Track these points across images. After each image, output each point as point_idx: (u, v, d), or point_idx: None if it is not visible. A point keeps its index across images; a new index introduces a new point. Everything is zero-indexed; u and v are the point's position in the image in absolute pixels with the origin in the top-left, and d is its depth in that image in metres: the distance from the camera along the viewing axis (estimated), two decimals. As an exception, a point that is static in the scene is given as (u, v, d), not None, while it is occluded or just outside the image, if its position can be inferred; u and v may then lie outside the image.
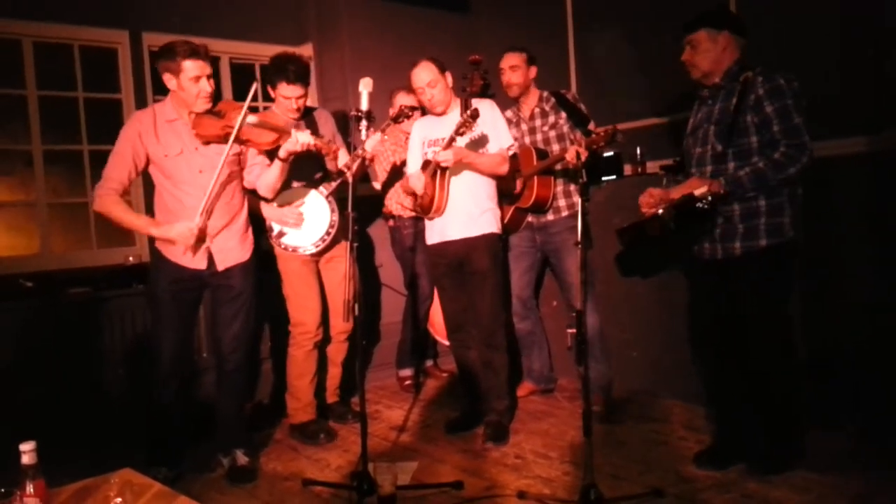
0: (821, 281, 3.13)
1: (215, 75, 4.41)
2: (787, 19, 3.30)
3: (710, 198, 2.51)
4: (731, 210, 2.66)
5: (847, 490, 2.56)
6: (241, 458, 3.09)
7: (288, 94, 3.32)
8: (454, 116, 3.28)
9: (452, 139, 3.10)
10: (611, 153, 3.94)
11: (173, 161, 2.90)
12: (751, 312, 2.69)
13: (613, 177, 3.92)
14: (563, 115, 3.64)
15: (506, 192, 3.67)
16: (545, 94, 3.75)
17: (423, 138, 3.40)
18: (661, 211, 2.68)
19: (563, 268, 3.70)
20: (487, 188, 3.37)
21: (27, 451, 1.58)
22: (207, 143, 2.91)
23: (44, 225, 3.94)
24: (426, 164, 3.29)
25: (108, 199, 2.84)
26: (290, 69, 3.29)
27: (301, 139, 2.90)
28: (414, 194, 3.37)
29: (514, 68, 3.66)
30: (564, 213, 3.69)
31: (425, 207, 3.31)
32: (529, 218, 3.77)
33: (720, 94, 2.72)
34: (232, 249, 3.02)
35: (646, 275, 3.78)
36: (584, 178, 2.61)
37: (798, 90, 2.56)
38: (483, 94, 4.41)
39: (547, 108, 3.72)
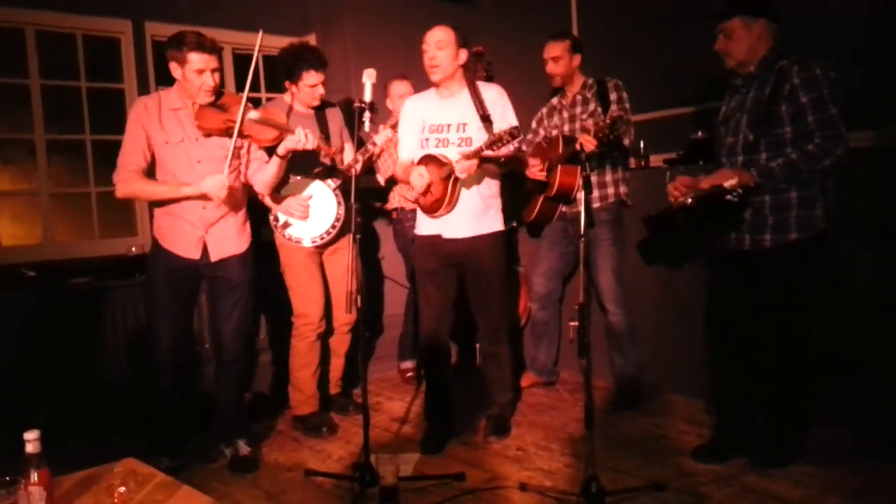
0: (827, 275, 3.12)
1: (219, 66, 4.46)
2: (788, 13, 3.28)
3: (740, 190, 2.44)
4: (761, 201, 2.60)
5: (847, 484, 2.56)
6: (244, 448, 3.10)
7: (313, 82, 3.34)
8: (461, 101, 3.12)
9: (481, 151, 2.87)
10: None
11: (172, 149, 2.91)
12: (775, 305, 2.65)
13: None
14: None
15: (537, 185, 3.65)
16: (589, 81, 3.69)
17: (424, 121, 3.17)
18: (689, 201, 2.61)
19: (594, 263, 3.62)
20: (494, 184, 3.23)
21: (31, 440, 1.59)
22: (209, 135, 2.92)
23: (46, 214, 3.94)
24: (430, 159, 3.09)
25: (129, 181, 2.86)
26: (311, 57, 3.31)
27: (301, 139, 2.91)
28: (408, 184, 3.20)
29: (556, 59, 3.61)
30: (596, 205, 3.63)
31: (430, 206, 3.12)
32: (563, 208, 3.74)
33: (754, 83, 2.66)
34: (227, 240, 3.03)
35: (649, 269, 3.78)
36: (586, 171, 2.59)
37: (835, 80, 2.50)
38: None
39: (588, 95, 3.66)
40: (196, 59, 2.81)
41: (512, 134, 2.78)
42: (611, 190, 3.67)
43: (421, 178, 3.03)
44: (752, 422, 2.80)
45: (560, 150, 3.55)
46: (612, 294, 3.64)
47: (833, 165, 2.49)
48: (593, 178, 3.59)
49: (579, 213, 3.63)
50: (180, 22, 4.19)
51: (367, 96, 2.86)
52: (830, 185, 2.62)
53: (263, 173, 3.06)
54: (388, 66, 3.20)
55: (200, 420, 3.26)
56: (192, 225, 2.96)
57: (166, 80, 4.27)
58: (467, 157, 2.90)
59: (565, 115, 3.74)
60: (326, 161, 3.36)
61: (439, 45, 3.03)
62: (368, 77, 2.84)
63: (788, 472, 2.68)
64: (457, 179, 3.04)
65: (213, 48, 2.85)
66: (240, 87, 4.53)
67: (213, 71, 2.86)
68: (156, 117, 2.90)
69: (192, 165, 2.92)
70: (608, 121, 3.11)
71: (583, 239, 2.54)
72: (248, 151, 3.08)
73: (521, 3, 4.73)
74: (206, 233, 2.98)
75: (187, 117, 2.93)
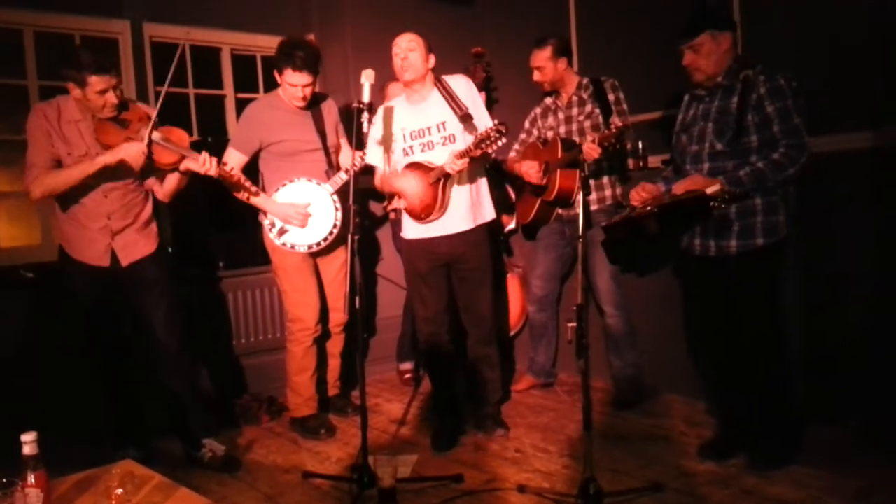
0: (821, 277, 3.13)
1: (216, 65, 4.47)
2: (791, 12, 3.29)
3: (726, 196, 2.44)
4: (726, 207, 2.63)
5: (846, 485, 2.56)
6: (218, 449, 3.10)
7: (294, 82, 3.25)
8: (434, 102, 3.13)
9: (470, 151, 2.86)
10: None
11: (76, 160, 2.87)
12: (745, 310, 2.69)
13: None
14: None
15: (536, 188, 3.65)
16: (584, 81, 3.68)
17: (403, 129, 3.15)
18: (652, 208, 2.62)
19: (591, 265, 3.63)
20: (482, 179, 3.25)
21: (28, 442, 1.59)
22: (109, 149, 2.86)
23: (45, 216, 3.93)
24: (416, 166, 3.10)
25: (40, 177, 2.82)
26: (297, 55, 3.20)
27: (204, 164, 2.89)
28: (393, 194, 3.22)
29: (539, 69, 3.63)
30: (594, 207, 3.64)
31: (422, 211, 3.11)
32: (559, 210, 3.74)
33: (718, 93, 2.69)
34: (134, 244, 3.03)
35: (645, 269, 3.77)
36: (584, 172, 2.60)
37: (797, 90, 2.55)
38: (486, 86, 4.40)
39: (585, 96, 3.66)
40: (97, 81, 2.74)
41: (499, 131, 2.79)
42: (608, 192, 3.68)
43: (412, 184, 3.06)
44: (750, 422, 2.80)
45: (559, 154, 3.55)
46: (610, 296, 3.64)
47: (797, 174, 2.53)
48: (592, 182, 3.60)
49: (576, 214, 3.64)
50: (178, 23, 4.21)
51: (366, 97, 2.86)
52: (791, 192, 2.66)
53: (166, 184, 3.06)
54: (386, 67, 3.18)
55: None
56: (98, 233, 2.95)
57: (162, 80, 4.29)
58: (458, 156, 2.91)
59: (561, 116, 3.74)
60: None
61: (410, 48, 3.06)
62: (367, 78, 2.84)
63: (788, 472, 2.68)
64: (446, 182, 3.06)
65: (111, 66, 2.80)
66: (238, 88, 4.54)
67: (114, 88, 2.80)
68: (56, 127, 2.86)
69: (95, 178, 2.87)
70: (614, 130, 3.11)
71: (581, 240, 2.54)
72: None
73: (521, 4, 4.73)
74: (112, 240, 2.98)
75: (87, 129, 2.89)
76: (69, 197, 2.92)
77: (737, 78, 2.63)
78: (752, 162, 2.57)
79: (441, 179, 3.04)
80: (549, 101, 3.80)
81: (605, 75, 3.72)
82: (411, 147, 3.15)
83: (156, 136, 2.83)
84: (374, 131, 3.19)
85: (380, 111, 3.21)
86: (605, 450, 3.04)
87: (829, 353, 3.11)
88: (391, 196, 3.65)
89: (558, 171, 3.55)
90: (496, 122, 2.86)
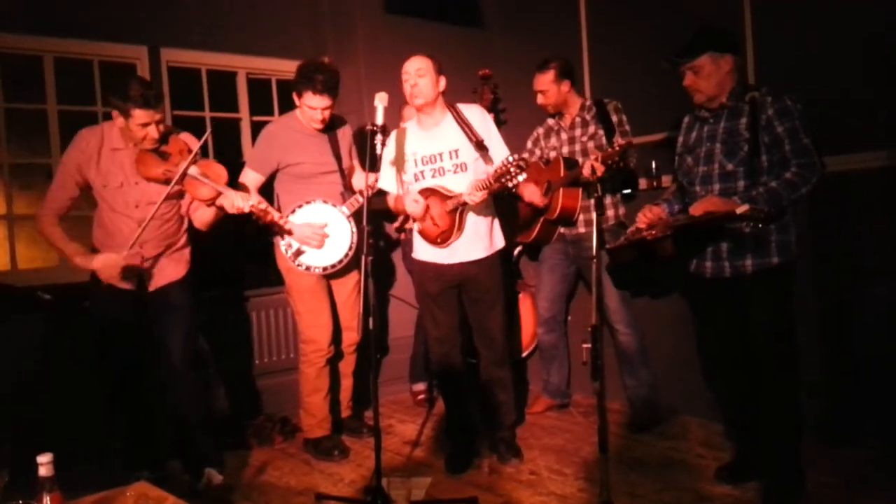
0: (839, 297, 3.10)
1: (232, 89, 4.53)
2: (807, 32, 3.29)
3: (761, 216, 2.38)
4: (740, 227, 2.62)
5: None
6: (216, 478, 3.05)
7: (314, 105, 3.28)
8: (447, 128, 3.13)
9: (490, 185, 2.86)
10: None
11: (111, 191, 2.91)
12: (760, 330, 2.64)
13: (629, 191, 3.91)
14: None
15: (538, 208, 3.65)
16: (588, 102, 3.71)
17: (414, 154, 3.15)
18: (670, 231, 2.63)
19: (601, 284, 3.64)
20: (491, 203, 3.23)
21: (44, 464, 1.59)
22: (147, 180, 2.89)
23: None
24: (431, 192, 3.09)
25: (46, 220, 2.91)
26: (318, 79, 3.22)
27: (236, 203, 2.92)
28: (403, 213, 3.23)
29: (543, 92, 3.65)
30: None
31: (438, 237, 3.12)
32: (562, 230, 3.75)
33: (724, 114, 2.69)
34: (162, 270, 3.04)
35: (660, 290, 3.76)
36: (598, 192, 2.60)
37: (802, 111, 2.55)
38: (493, 108, 4.42)
39: (588, 117, 3.68)
40: (140, 114, 2.76)
41: (520, 166, 2.77)
42: (610, 212, 3.69)
43: (416, 204, 3.05)
44: (763, 448, 2.74)
45: (562, 173, 3.56)
46: (620, 314, 3.62)
47: (810, 193, 2.51)
48: (593, 201, 3.59)
49: (579, 234, 3.68)
50: (195, 47, 4.28)
51: (379, 119, 2.88)
52: (799, 213, 2.64)
53: (202, 213, 3.06)
54: (400, 89, 3.21)
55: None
56: (126, 260, 2.92)
57: (181, 104, 4.36)
58: (477, 189, 2.91)
59: (564, 136, 3.75)
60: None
61: (419, 73, 3.05)
62: (380, 100, 2.86)
63: (806, 494, 2.63)
64: (463, 211, 3.07)
65: (157, 102, 2.80)
66: (254, 111, 4.59)
67: (157, 123, 2.81)
68: (94, 159, 2.89)
69: (130, 208, 2.92)
70: (617, 148, 3.11)
71: (595, 260, 2.53)
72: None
73: (532, 25, 4.77)
74: (143, 265, 2.98)
75: (128, 158, 2.91)
76: (105, 221, 2.96)
77: (742, 99, 2.64)
78: (763, 182, 2.56)
79: (458, 208, 3.05)
80: (551, 122, 3.81)
81: (618, 96, 3.73)
82: (422, 172, 3.15)
83: (193, 170, 2.83)
84: (387, 154, 3.19)
85: (393, 134, 3.22)
86: (622, 473, 3.00)
87: (848, 374, 3.07)
88: (403, 217, 3.66)
89: (561, 190, 3.56)
90: (516, 156, 2.85)
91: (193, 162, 2.83)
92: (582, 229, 3.66)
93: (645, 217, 2.80)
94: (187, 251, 3.13)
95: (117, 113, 2.80)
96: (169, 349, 3.03)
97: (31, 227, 4.14)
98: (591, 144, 3.63)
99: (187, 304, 3.08)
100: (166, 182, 2.84)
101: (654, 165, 3.82)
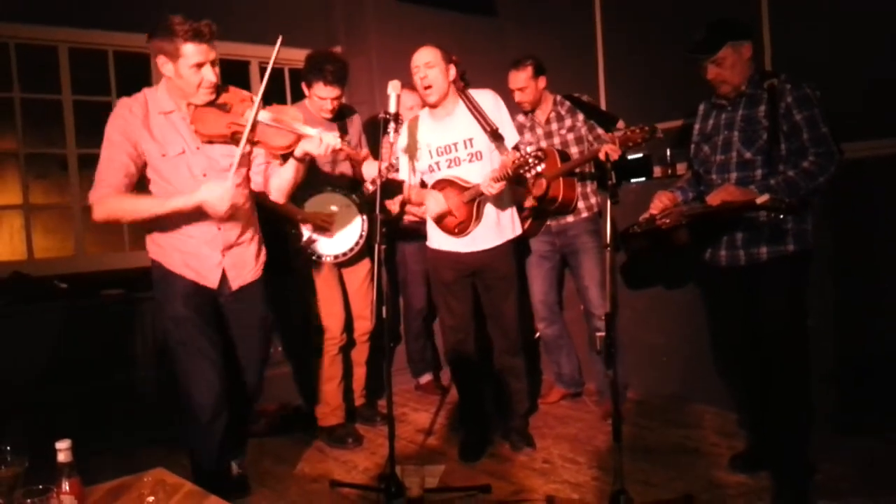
0: (856, 285, 3.07)
1: (245, 78, 4.53)
2: (824, 20, 3.25)
3: (782, 206, 2.36)
4: (756, 215, 2.59)
5: (885, 501, 2.50)
6: (234, 469, 2.90)
7: (324, 95, 3.30)
8: (460, 117, 3.10)
9: (507, 176, 2.84)
10: (639, 154, 3.91)
11: (172, 162, 2.43)
12: (776, 320, 2.61)
13: (643, 179, 3.89)
14: (581, 117, 3.62)
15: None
16: (558, 97, 3.72)
17: (428, 145, 3.13)
18: (684, 220, 2.62)
19: (581, 271, 3.66)
20: (510, 192, 3.21)
21: (63, 450, 1.61)
22: (209, 141, 2.44)
23: (78, 227, 4.01)
24: (447, 183, 3.09)
25: (104, 200, 2.36)
26: (327, 69, 3.24)
27: (326, 140, 2.39)
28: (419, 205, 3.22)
29: (521, 90, 3.63)
30: (584, 215, 3.66)
31: (456, 227, 3.12)
32: (549, 222, 3.74)
33: (741, 101, 2.66)
34: (246, 265, 2.63)
35: (674, 278, 3.74)
36: (612, 180, 2.57)
37: (820, 98, 2.52)
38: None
39: (562, 111, 3.68)
40: (192, 50, 2.31)
41: (538, 157, 2.75)
42: (594, 200, 3.70)
43: (436, 202, 3.05)
44: (773, 438, 2.73)
45: (558, 164, 3.54)
46: (599, 302, 3.61)
47: (827, 182, 2.48)
48: (578, 190, 3.62)
49: (567, 223, 3.67)
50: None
51: (392, 108, 2.86)
52: (815, 202, 2.61)
53: (280, 178, 2.59)
54: (411, 77, 3.20)
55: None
56: (208, 246, 2.50)
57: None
58: (495, 180, 2.89)
59: (539, 132, 3.72)
60: (354, 164, 3.21)
61: (429, 66, 3.01)
62: (393, 89, 2.84)
63: (822, 485, 2.62)
64: (482, 201, 3.06)
65: (211, 35, 2.34)
66: (266, 101, 4.59)
67: (212, 63, 2.38)
68: (144, 125, 2.40)
69: (197, 180, 2.43)
70: (639, 130, 3.05)
71: (609, 249, 2.49)
72: (252, 155, 2.63)
73: (545, 14, 4.74)
74: (223, 257, 2.54)
75: (182, 121, 2.44)
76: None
77: (760, 86, 2.61)
78: (781, 171, 2.53)
79: (476, 199, 3.05)
80: (522, 118, 3.76)
81: (632, 82, 3.71)
82: (437, 163, 3.14)
83: (264, 115, 2.36)
84: (400, 142, 3.18)
85: (405, 123, 3.22)
86: (635, 461, 3.00)
87: (866, 363, 3.05)
88: (400, 202, 3.66)
89: (561, 180, 3.54)
90: (534, 147, 2.84)
91: (262, 107, 2.37)
92: (570, 218, 3.67)
93: (659, 202, 2.79)
94: (263, 245, 2.74)
95: (163, 60, 2.35)
96: (244, 368, 2.67)
97: (47, 217, 4.19)
98: (570, 137, 3.65)
99: (267, 311, 2.72)
100: (234, 139, 2.38)
101: (668, 153, 3.79)
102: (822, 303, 2.97)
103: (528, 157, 2.77)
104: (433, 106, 3.12)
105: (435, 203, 3.07)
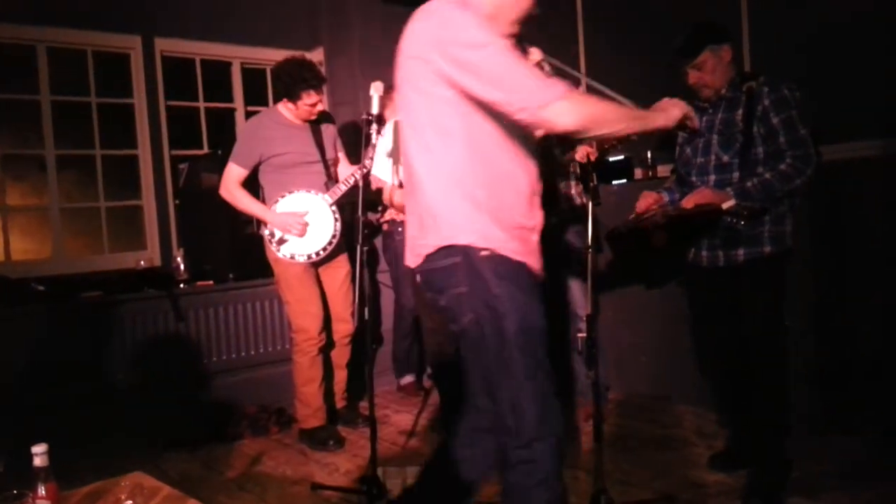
0: (837, 286, 3.11)
1: (227, 79, 4.51)
2: (803, 22, 3.29)
3: (744, 212, 2.43)
4: (743, 223, 2.61)
5: (861, 497, 2.53)
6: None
7: (314, 101, 3.38)
8: None
9: None
10: (620, 157, 3.93)
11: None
12: (754, 320, 2.65)
13: (624, 181, 3.92)
14: None
15: None
16: None
17: None
18: (662, 221, 2.63)
19: (565, 274, 3.65)
20: None
21: (39, 454, 1.59)
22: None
23: (56, 229, 3.97)
24: None
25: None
26: (309, 77, 3.32)
27: None
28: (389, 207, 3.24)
29: None
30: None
31: None
32: None
33: (721, 104, 2.69)
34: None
35: (654, 279, 3.76)
36: (594, 181, 2.59)
37: (800, 100, 2.54)
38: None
39: None
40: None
41: None
42: (577, 202, 3.70)
43: None
44: (751, 437, 2.76)
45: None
46: (582, 304, 3.62)
47: (804, 185, 2.51)
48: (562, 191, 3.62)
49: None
50: (189, 37, 4.25)
51: (375, 109, 2.86)
52: (797, 204, 2.64)
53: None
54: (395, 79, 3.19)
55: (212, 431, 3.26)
56: (532, 232, 1.93)
57: (175, 95, 4.34)
58: None
59: None
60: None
61: None
62: (376, 90, 2.85)
63: (799, 483, 2.65)
64: None
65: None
66: (248, 101, 4.57)
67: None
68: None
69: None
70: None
71: (590, 251, 2.51)
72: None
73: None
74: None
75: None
76: (498, 174, 1.88)
77: (740, 89, 2.64)
78: (758, 173, 2.56)
79: None
80: None
81: (615, 82, 3.72)
82: None
83: None
84: (383, 144, 3.18)
85: (389, 124, 3.21)
86: (616, 461, 3.02)
87: (844, 363, 3.09)
88: (385, 208, 3.66)
89: None
90: None
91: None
92: (589, 219, 3.65)
93: (644, 202, 2.80)
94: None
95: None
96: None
97: (23, 219, 4.13)
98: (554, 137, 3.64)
99: None
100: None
101: (649, 155, 3.82)
102: (802, 303, 3.00)
103: None
104: None
105: None
